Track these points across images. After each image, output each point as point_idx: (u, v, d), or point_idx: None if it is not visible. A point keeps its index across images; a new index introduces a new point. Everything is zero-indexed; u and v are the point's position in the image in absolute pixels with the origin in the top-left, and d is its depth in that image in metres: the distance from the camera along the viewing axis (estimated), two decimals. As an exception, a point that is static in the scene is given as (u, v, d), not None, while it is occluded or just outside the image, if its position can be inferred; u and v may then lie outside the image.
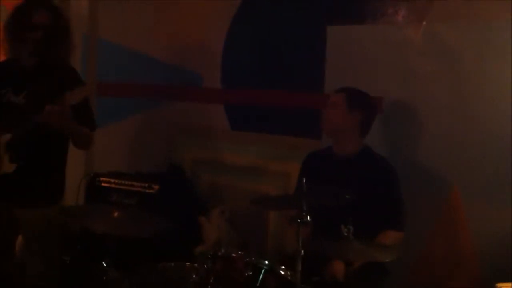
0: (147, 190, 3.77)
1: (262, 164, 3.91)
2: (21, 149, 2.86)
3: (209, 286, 2.40)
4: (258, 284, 2.37)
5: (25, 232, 3.03)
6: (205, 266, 2.45)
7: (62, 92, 2.73)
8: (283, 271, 2.41)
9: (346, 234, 2.44)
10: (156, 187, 3.75)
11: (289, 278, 2.39)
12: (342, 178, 2.98)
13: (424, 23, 3.26)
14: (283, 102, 3.80)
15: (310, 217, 2.44)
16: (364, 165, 3.03)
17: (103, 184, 3.95)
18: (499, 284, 2.56)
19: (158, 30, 4.34)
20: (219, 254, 2.49)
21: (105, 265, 2.48)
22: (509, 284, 2.50)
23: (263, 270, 2.38)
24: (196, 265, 2.57)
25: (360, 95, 3.10)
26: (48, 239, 3.01)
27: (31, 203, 2.94)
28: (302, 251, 2.37)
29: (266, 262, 2.40)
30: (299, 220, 2.42)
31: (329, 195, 2.68)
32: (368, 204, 2.84)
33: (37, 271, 2.97)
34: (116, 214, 2.56)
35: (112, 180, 3.94)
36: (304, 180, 2.53)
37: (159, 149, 4.36)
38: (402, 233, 2.95)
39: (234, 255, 2.46)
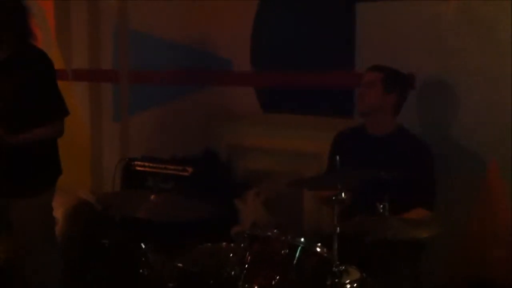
0: (182, 173, 3.81)
1: (295, 146, 3.91)
2: None
3: (247, 265, 2.41)
4: (295, 262, 2.38)
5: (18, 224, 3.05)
6: (242, 245, 2.47)
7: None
8: (319, 248, 2.41)
9: (382, 211, 2.44)
10: (190, 169, 3.78)
11: (325, 255, 2.40)
12: (376, 157, 2.97)
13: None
14: (314, 82, 3.79)
15: (345, 195, 2.44)
16: (399, 144, 3.01)
17: (138, 168, 3.99)
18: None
19: (186, 17, 4.35)
20: (256, 233, 2.50)
21: (144, 246, 2.51)
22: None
23: (299, 248, 2.39)
24: (233, 245, 2.60)
25: (396, 75, 3.07)
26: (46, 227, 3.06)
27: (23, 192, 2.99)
28: (338, 228, 2.38)
29: (303, 239, 2.40)
30: (334, 198, 2.42)
31: (364, 173, 2.67)
32: (401, 182, 2.81)
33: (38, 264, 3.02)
34: (152, 198, 2.60)
35: (146, 164, 3.98)
36: (338, 158, 2.52)
37: (193, 135, 4.39)
38: (430, 212, 2.92)
39: (270, 233, 2.46)
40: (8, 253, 3.17)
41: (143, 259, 2.51)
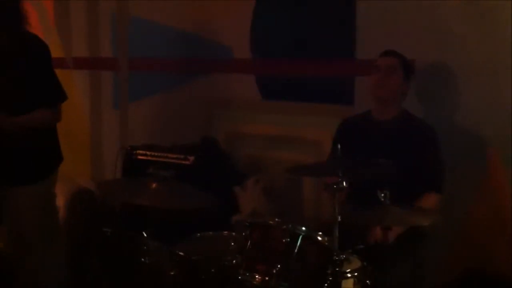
0: (183, 162, 3.81)
1: (294, 133, 3.90)
2: None
3: (248, 254, 2.41)
4: (296, 251, 2.38)
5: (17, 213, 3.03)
6: (243, 234, 2.47)
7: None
8: (320, 237, 2.41)
9: (382, 199, 2.44)
10: (192, 158, 3.78)
11: (326, 244, 2.40)
12: (382, 142, 2.97)
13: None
14: (314, 70, 3.78)
15: (346, 183, 2.44)
16: (405, 127, 3.02)
17: (140, 157, 3.99)
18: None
19: (186, 3, 4.33)
20: (256, 222, 2.50)
21: (145, 235, 2.52)
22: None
23: (300, 237, 2.39)
24: (234, 233, 2.60)
25: (407, 61, 3.08)
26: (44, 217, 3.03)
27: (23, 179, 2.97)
28: (339, 217, 2.38)
29: (303, 228, 2.40)
30: (335, 186, 2.42)
31: (367, 160, 2.67)
32: (408, 167, 2.81)
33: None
34: (153, 186, 2.60)
35: (148, 153, 3.97)
36: (339, 146, 2.52)
37: (193, 123, 4.39)
38: (440, 195, 2.93)
39: (271, 222, 2.47)
40: (6, 245, 3.16)
41: (144, 247, 2.52)
